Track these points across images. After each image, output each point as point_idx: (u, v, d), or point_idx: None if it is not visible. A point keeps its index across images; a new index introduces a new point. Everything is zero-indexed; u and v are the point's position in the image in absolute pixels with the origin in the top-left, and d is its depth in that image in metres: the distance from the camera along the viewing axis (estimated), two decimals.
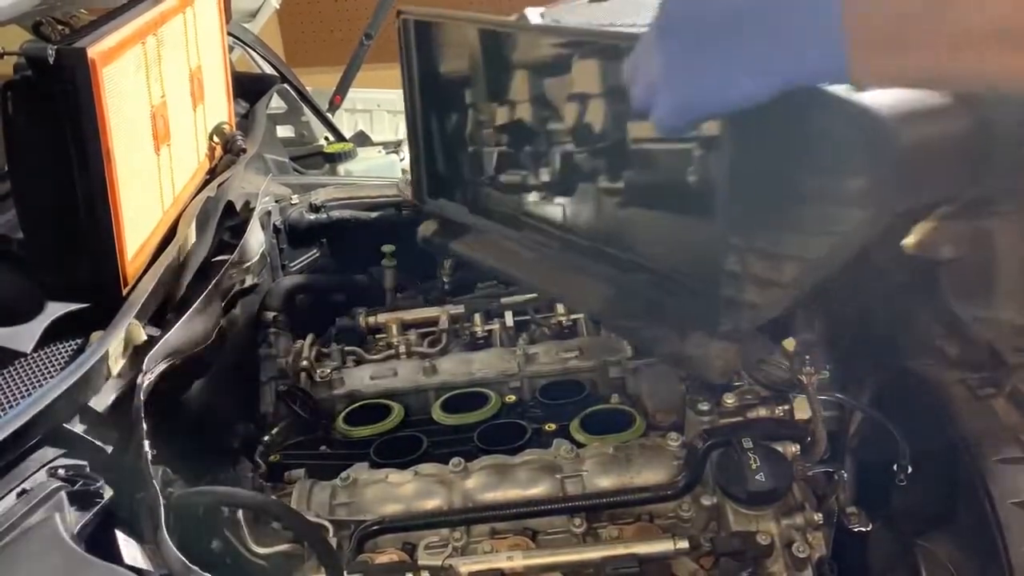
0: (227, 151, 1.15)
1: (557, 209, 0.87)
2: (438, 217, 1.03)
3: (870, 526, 0.85)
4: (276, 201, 1.26)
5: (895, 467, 1.00)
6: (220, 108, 1.20)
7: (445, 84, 0.98)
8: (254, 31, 1.74)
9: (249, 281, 1.07)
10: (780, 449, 0.85)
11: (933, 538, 1.03)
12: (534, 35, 0.85)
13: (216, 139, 1.14)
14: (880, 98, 0.58)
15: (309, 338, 1.19)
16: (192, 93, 1.08)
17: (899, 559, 1.04)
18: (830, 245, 0.61)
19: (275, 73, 1.64)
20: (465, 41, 0.94)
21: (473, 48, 0.92)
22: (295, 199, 1.30)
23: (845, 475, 0.85)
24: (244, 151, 1.15)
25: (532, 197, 0.91)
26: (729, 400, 0.92)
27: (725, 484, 0.82)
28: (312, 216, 1.30)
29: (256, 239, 1.09)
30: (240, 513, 0.84)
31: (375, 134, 1.87)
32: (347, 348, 1.21)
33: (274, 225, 1.25)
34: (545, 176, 0.88)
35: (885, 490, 1.09)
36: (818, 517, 0.82)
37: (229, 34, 1.51)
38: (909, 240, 0.70)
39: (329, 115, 1.80)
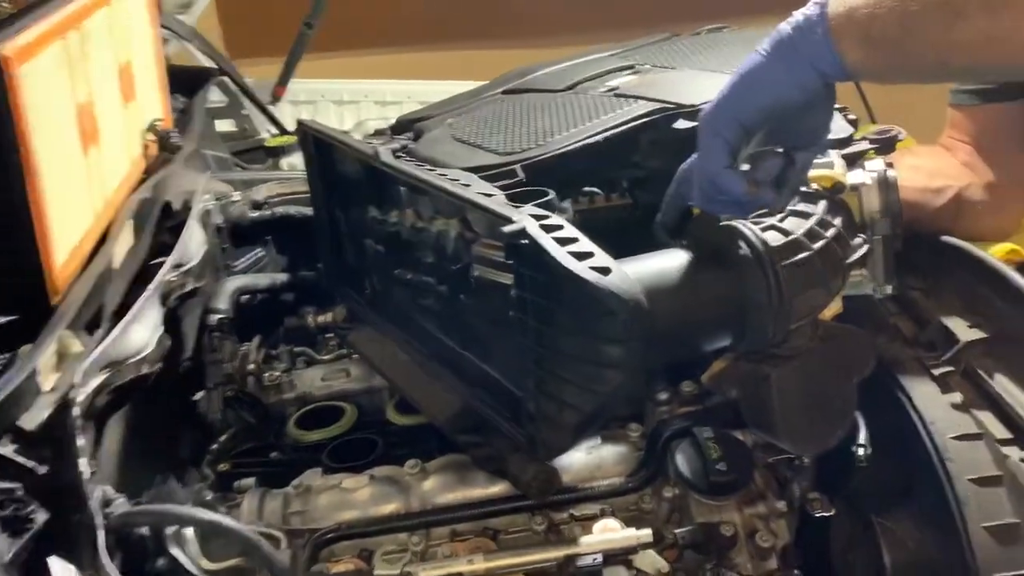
0: (162, 149, 1.10)
1: (433, 315, 0.95)
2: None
3: (832, 512, 0.85)
4: (216, 199, 1.21)
5: (855, 449, 1.00)
6: (154, 104, 1.15)
7: (342, 182, 1.06)
8: (190, 22, 1.68)
9: (191, 284, 1.02)
10: (741, 436, 0.85)
11: (893, 515, 1.03)
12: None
13: (150, 137, 1.09)
14: (634, 272, 0.66)
15: (256, 340, 1.15)
16: (122, 90, 1.03)
17: (859, 537, 1.04)
18: (597, 401, 0.68)
19: (213, 66, 1.59)
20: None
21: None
22: (236, 196, 1.25)
23: (807, 460, 0.85)
24: (180, 148, 1.10)
25: (414, 300, 0.97)
26: (687, 388, 0.91)
27: (686, 475, 0.81)
28: (255, 213, 1.26)
29: (195, 240, 1.05)
30: (188, 528, 0.81)
31: None
32: (296, 349, 1.18)
33: (215, 224, 1.21)
34: (422, 283, 0.94)
35: (844, 470, 1.09)
36: (781, 505, 0.81)
37: (162, 26, 1.46)
38: (705, 376, 0.78)
39: (271, 107, 1.74)
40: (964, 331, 1.00)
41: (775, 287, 0.67)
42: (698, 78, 1.05)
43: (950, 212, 1.08)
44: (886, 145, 0.79)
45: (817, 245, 0.70)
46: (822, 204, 0.73)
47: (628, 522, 0.85)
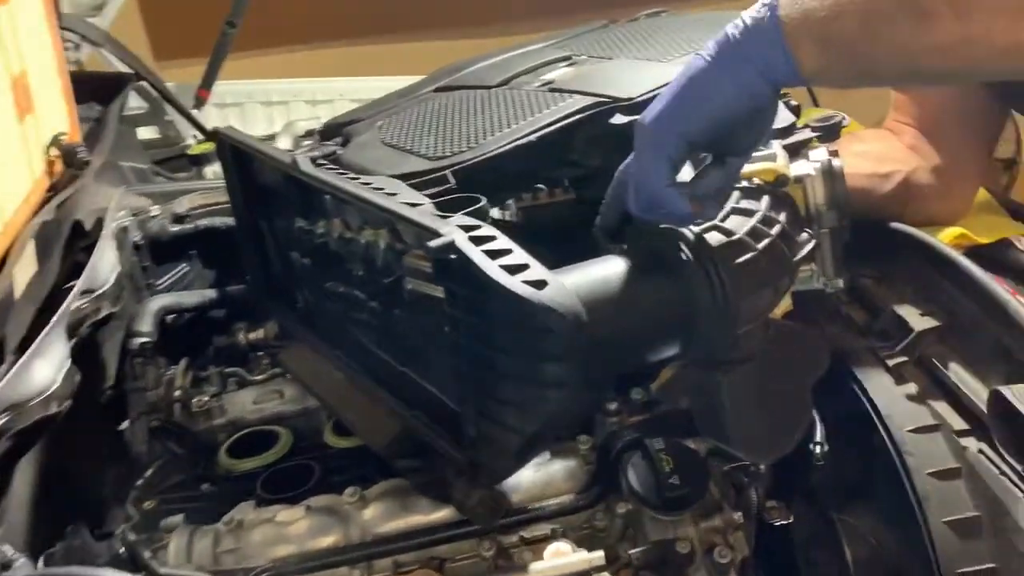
0: (68, 165, 1.02)
1: (368, 330, 0.90)
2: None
3: (791, 519, 0.82)
4: (133, 215, 1.14)
5: (811, 447, 0.97)
6: (57, 117, 1.07)
7: (264, 192, 1.00)
8: (104, 25, 1.59)
9: (105, 309, 0.95)
10: (694, 445, 0.81)
11: (853, 511, 1.01)
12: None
13: (54, 152, 1.01)
14: (572, 284, 0.62)
15: (183, 363, 1.08)
16: (17, 103, 0.95)
17: (820, 534, 1.02)
18: (539, 423, 0.64)
19: (130, 71, 1.50)
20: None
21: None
22: (155, 210, 1.18)
23: (763, 467, 0.81)
24: (87, 164, 1.02)
25: (348, 314, 0.92)
26: (637, 395, 0.87)
27: (638, 491, 0.77)
28: (176, 227, 1.19)
29: (107, 261, 0.98)
30: None
31: (249, 128, 1.74)
32: (227, 370, 1.11)
33: (133, 242, 1.13)
34: (354, 296, 0.89)
35: (801, 469, 1.06)
36: (738, 517, 0.77)
37: (69, 30, 1.37)
38: (654, 385, 0.76)
39: (196, 112, 1.66)
40: (917, 319, 0.98)
41: (720, 292, 0.63)
42: (636, 68, 1.00)
43: (899, 197, 1.05)
44: (830, 132, 0.75)
45: (762, 244, 0.66)
46: (765, 199, 0.69)
47: (581, 541, 0.81)
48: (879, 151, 1.11)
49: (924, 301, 0.99)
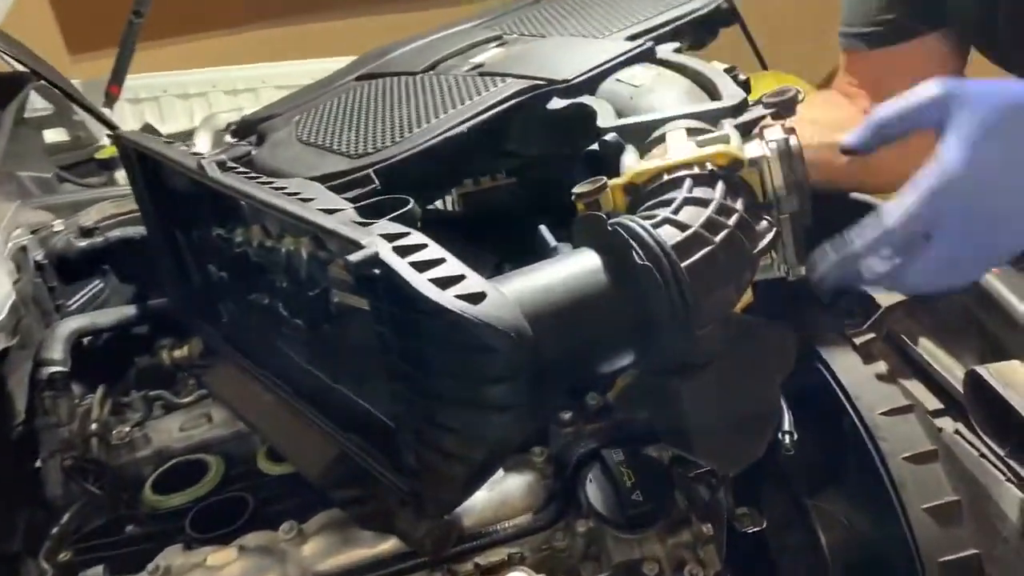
0: None
1: (296, 347, 0.83)
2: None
3: (764, 524, 0.76)
4: (32, 232, 1.04)
5: (780, 436, 0.92)
6: None
7: (177, 199, 0.93)
8: None
9: (1, 343, 0.86)
10: (656, 453, 0.75)
11: (826, 496, 0.97)
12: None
13: None
14: (515, 293, 0.56)
15: (100, 391, 0.99)
16: None
17: (794, 520, 0.97)
18: (486, 450, 0.58)
19: (27, 70, 1.38)
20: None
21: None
22: (58, 225, 1.08)
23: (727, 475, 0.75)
24: None
25: (275, 329, 0.84)
26: (593, 401, 0.80)
27: (598, 510, 0.71)
28: (84, 242, 1.09)
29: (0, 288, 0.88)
30: None
31: (166, 124, 1.63)
32: (151, 394, 1.02)
33: (35, 261, 1.03)
34: (279, 310, 0.82)
35: (770, 454, 1.01)
36: (707, 528, 0.72)
37: None
38: (611, 394, 0.71)
39: (107, 110, 1.55)
40: (883, 294, 0.93)
41: (677, 293, 0.57)
42: (571, 46, 0.93)
43: (856, 167, 0.99)
44: (785, 108, 0.68)
45: (720, 237, 0.59)
46: (720, 187, 0.62)
47: (541, 564, 0.75)
48: (832, 119, 1.05)
49: None
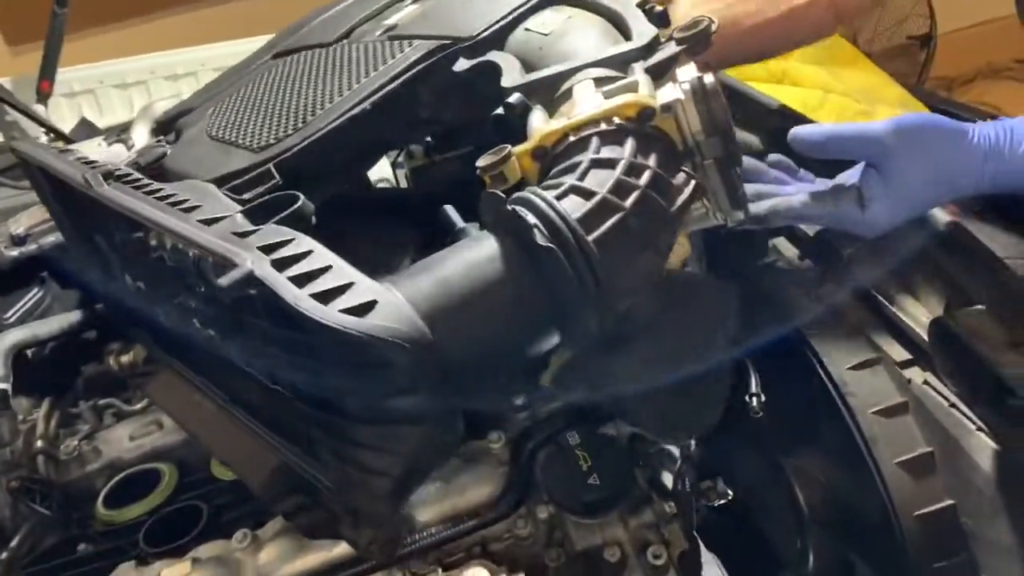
0: None
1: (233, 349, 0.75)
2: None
3: (729, 495, 0.74)
4: None
5: (748, 399, 0.90)
6: None
7: (87, 205, 0.83)
8: None
9: None
10: (614, 432, 0.72)
11: (801, 455, 0.95)
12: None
13: None
14: (413, 294, 0.52)
15: (45, 405, 0.96)
16: None
17: (771, 480, 0.96)
18: (405, 462, 0.55)
19: None
20: None
21: None
22: None
23: (693, 445, 0.73)
24: None
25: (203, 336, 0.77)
26: (547, 380, 0.77)
27: (557, 496, 0.68)
28: (16, 251, 1.04)
29: None
30: None
31: (104, 118, 1.57)
32: (101, 402, 0.99)
33: None
34: (202, 315, 0.75)
35: (741, 415, 0.99)
36: (670, 507, 0.69)
37: None
38: (545, 377, 0.64)
39: (42, 107, 1.48)
40: (845, 242, 0.90)
41: (587, 270, 0.52)
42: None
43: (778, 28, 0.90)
44: (699, 42, 0.61)
45: (631, 200, 0.54)
46: (630, 143, 0.56)
47: (504, 553, 0.73)
48: None
49: None
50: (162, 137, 1.00)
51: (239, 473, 0.78)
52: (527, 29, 0.73)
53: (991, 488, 0.74)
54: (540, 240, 0.50)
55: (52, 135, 1.40)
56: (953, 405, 0.77)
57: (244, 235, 0.54)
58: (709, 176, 0.60)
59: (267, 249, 0.51)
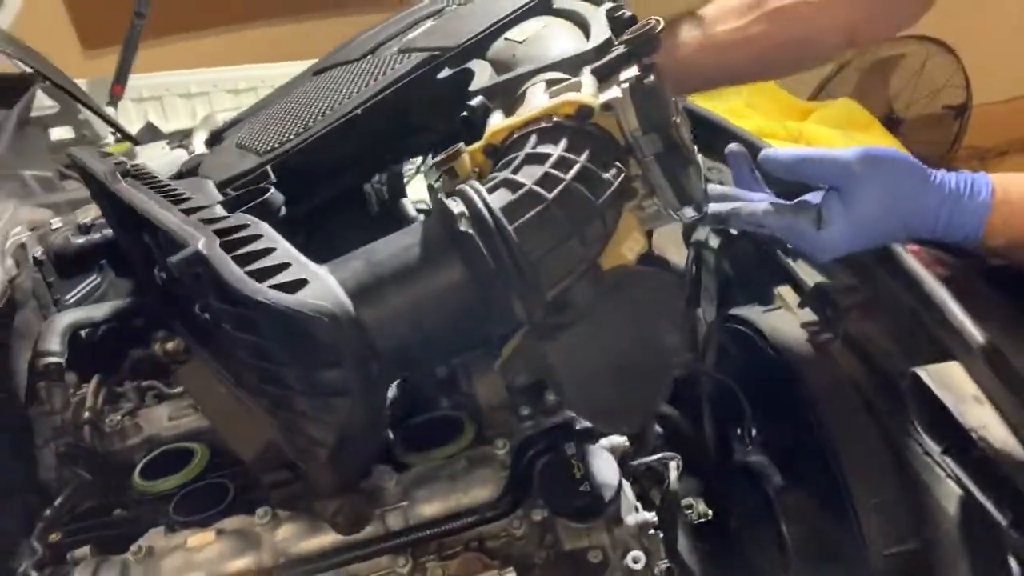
0: None
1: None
2: None
3: (711, 514, 0.80)
4: (31, 229, 1.08)
5: (740, 431, 0.96)
6: None
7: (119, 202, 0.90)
8: (4, 25, 1.51)
9: None
10: (608, 445, 0.78)
11: (793, 490, 1.00)
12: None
13: None
14: (345, 276, 0.57)
15: (94, 381, 1.04)
16: None
17: (760, 510, 1.01)
18: (337, 432, 0.59)
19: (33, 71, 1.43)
20: None
21: None
22: (56, 222, 1.13)
23: (679, 464, 0.79)
24: None
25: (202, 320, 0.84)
26: (552, 397, 0.84)
27: (549, 499, 0.74)
28: (81, 239, 1.14)
29: None
30: None
31: (168, 123, 1.68)
32: (144, 384, 1.07)
33: (34, 257, 1.08)
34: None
35: (736, 448, 1.05)
36: (652, 517, 0.75)
37: None
38: (497, 363, 0.69)
39: (112, 109, 1.59)
40: (842, 295, 0.96)
41: (507, 255, 0.55)
42: (476, 11, 0.89)
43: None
44: (643, 45, 0.63)
45: (555, 192, 0.57)
46: (564, 139, 0.60)
47: (499, 550, 0.79)
48: None
49: (850, 271, 0.96)
50: (207, 148, 1.10)
51: (236, 449, 0.85)
52: (506, 38, 0.78)
53: (955, 532, 0.79)
54: (462, 226, 0.55)
55: (119, 136, 1.50)
56: (927, 453, 0.82)
57: (211, 221, 0.61)
58: (651, 172, 0.62)
59: (221, 233, 0.58)
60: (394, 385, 0.89)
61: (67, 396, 1.01)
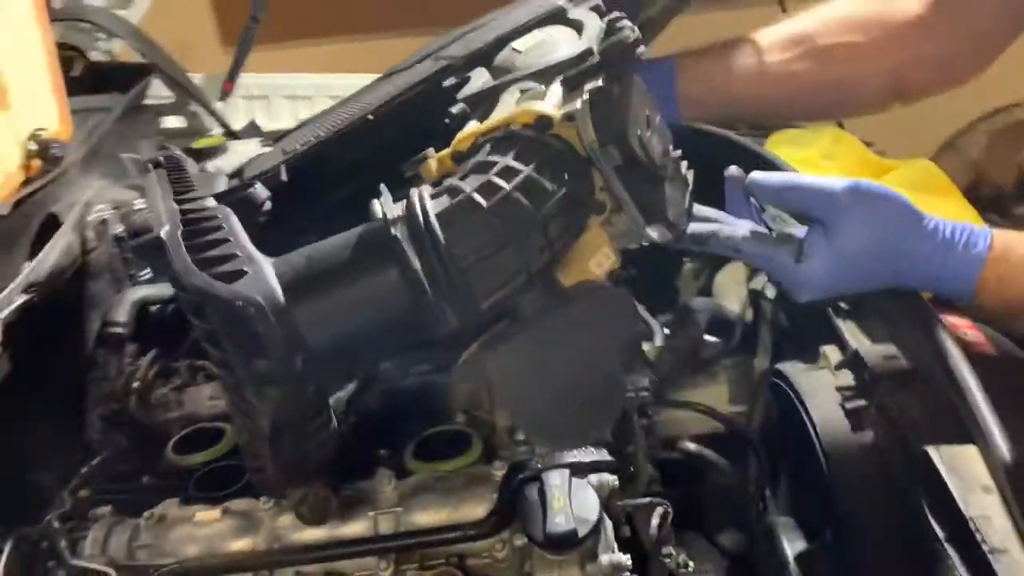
0: (43, 160, 1.06)
1: None
2: None
3: (690, 566, 0.78)
4: (115, 207, 1.17)
5: (751, 487, 0.94)
6: (42, 112, 1.10)
7: None
8: (134, 18, 1.64)
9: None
10: (596, 482, 0.78)
11: (808, 554, 0.97)
12: None
13: (32, 148, 1.05)
14: (285, 271, 0.58)
15: (151, 355, 1.11)
16: None
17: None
18: (268, 422, 0.61)
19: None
20: None
21: None
22: (139, 203, 1.21)
23: (667, 511, 0.77)
24: (59, 159, 1.06)
25: None
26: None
27: (525, 526, 0.75)
28: None
29: (50, 258, 1.00)
30: None
31: (272, 122, 1.77)
32: (197, 363, 1.13)
33: (114, 235, 1.17)
34: None
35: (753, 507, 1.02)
36: (626, 560, 0.74)
37: (85, 21, 1.43)
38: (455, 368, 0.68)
39: (221, 103, 1.70)
40: (879, 362, 0.92)
41: (437, 262, 0.56)
42: (496, 22, 0.89)
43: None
44: (618, 54, 0.62)
45: (493, 200, 0.57)
46: (515, 149, 0.60)
47: (479, 570, 0.80)
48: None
49: (889, 337, 0.92)
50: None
51: (233, 433, 0.89)
52: (512, 47, 0.79)
53: None
54: (394, 229, 0.56)
55: (225, 130, 1.60)
56: (935, 537, 0.78)
57: (186, 211, 0.65)
58: (613, 185, 0.61)
59: (188, 222, 0.61)
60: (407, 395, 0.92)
61: (123, 365, 1.09)
